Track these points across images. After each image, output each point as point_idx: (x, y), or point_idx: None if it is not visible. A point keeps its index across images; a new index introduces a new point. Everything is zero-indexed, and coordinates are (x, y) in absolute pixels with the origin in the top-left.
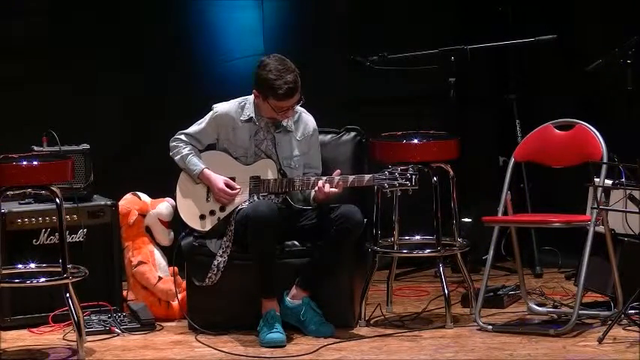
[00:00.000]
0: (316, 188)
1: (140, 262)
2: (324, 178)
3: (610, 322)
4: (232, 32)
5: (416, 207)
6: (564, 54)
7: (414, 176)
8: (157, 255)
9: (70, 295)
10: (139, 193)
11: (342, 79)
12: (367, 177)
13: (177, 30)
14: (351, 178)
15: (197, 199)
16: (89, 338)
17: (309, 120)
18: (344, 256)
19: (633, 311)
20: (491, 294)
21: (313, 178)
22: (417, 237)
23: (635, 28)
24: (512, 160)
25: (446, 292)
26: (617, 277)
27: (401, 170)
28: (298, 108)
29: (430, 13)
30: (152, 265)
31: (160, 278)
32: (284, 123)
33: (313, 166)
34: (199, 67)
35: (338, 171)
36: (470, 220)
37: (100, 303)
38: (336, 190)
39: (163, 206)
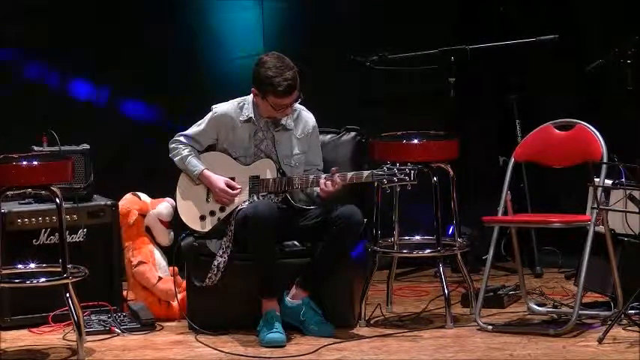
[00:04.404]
0: (318, 188)
1: (140, 262)
2: (324, 176)
3: (610, 322)
4: (232, 32)
5: (416, 207)
6: (564, 54)
7: (412, 172)
8: (157, 255)
9: (70, 295)
10: (139, 193)
11: (342, 79)
12: (366, 173)
13: (177, 30)
14: (350, 174)
15: (197, 200)
16: (89, 338)
17: (308, 117)
18: (344, 256)
19: (633, 311)
20: (492, 294)
21: (312, 176)
22: (417, 237)
23: (635, 28)
24: (512, 160)
25: (446, 292)
26: (617, 277)
27: (399, 166)
28: (297, 106)
29: (430, 13)
30: (152, 265)
31: (160, 278)
32: (283, 121)
33: (314, 162)
34: (199, 67)
35: (335, 168)
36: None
37: (100, 303)
38: (337, 187)
39: (163, 206)
